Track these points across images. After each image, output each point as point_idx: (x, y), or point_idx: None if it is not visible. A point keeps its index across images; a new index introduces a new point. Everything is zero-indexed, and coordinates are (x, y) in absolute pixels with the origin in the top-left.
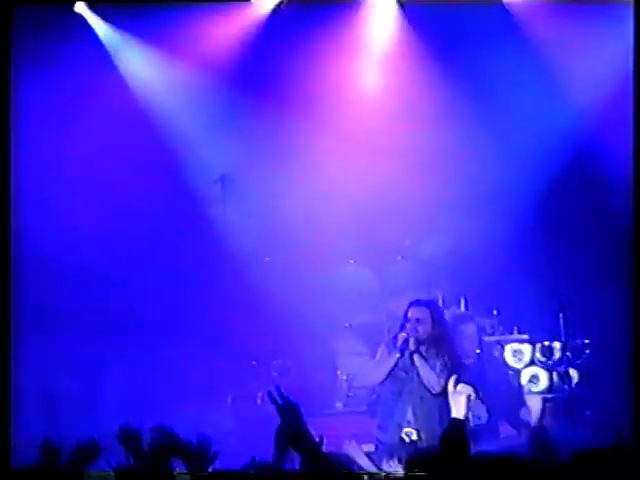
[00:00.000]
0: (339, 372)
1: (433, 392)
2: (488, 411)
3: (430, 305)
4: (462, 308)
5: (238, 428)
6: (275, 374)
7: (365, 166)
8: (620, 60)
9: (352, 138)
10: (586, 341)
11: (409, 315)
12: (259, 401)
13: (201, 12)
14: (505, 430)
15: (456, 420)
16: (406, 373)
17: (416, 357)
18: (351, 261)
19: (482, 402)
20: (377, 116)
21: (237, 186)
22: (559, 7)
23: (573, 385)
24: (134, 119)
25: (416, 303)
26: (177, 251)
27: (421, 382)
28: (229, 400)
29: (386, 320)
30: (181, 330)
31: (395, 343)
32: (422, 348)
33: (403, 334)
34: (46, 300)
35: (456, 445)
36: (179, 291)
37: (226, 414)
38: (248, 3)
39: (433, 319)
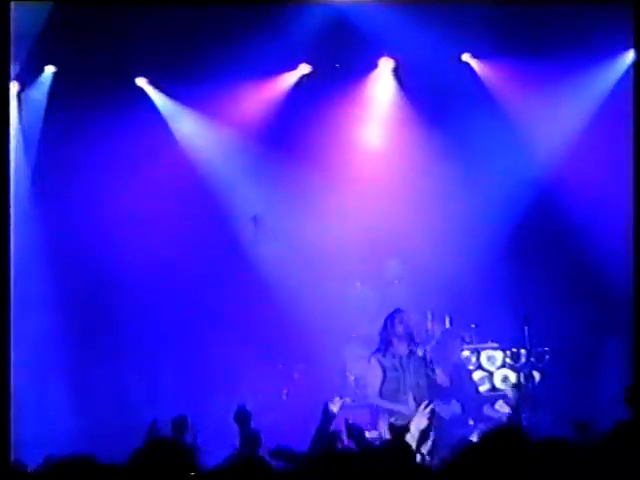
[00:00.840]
0: (348, 373)
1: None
2: (462, 408)
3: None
4: (447, 323)
5: (267, 417)
6: (297, 375)
7: (369, 207)
8: (579, 116)
9: (359, 185)
10: (546, 349)
11: (395, 321)
12: (284, 397)
13: (238, 84)
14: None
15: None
16: (396, 371)
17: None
18: (357, 284)
19: (457, 401)
20: (381, 167)
21: (267, 224)
22: (528, 75)
23: (536, 384)
24: (183, 171)
25: (398, 311)
26: (219, 277)
27: (414, 372)
28: (260, 396)
29: None
30: (224, 340)
31: (385, 352)
32: (408, 341)
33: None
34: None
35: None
36: (224, 310)
37: (258, 406)
38: (277, 78)
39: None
